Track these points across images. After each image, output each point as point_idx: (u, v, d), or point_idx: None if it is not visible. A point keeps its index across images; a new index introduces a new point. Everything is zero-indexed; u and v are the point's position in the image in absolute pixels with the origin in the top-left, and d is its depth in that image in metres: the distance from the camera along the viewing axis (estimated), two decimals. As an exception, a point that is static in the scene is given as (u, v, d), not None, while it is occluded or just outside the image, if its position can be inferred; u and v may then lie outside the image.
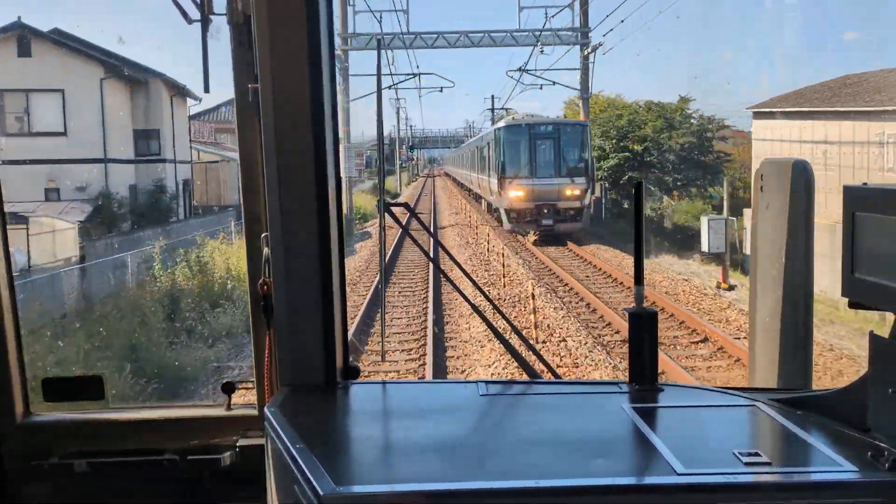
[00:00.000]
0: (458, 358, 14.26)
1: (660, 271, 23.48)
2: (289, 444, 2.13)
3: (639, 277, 2.63)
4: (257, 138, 2.75)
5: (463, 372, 13.35)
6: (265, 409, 2.48)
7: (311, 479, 1.92)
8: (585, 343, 14.58)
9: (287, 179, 2.62)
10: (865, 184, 2.15)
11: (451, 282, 3.33)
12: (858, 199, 2.11)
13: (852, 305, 2.12)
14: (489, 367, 13.23)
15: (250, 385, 3.11)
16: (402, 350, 14.58)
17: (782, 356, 2.78)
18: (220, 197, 39.88)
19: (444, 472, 2.03)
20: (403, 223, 3.30)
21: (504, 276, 21.53)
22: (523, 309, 17.27)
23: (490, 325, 3.22)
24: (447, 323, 16.90)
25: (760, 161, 2.95)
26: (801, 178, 2.72)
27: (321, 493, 1.86)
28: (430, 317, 16.68)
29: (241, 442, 2.97)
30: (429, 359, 13.57)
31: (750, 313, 2.91)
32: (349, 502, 1.87)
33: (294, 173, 2.62)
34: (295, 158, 2.61)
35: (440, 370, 13.34)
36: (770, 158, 2.86)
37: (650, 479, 1.99)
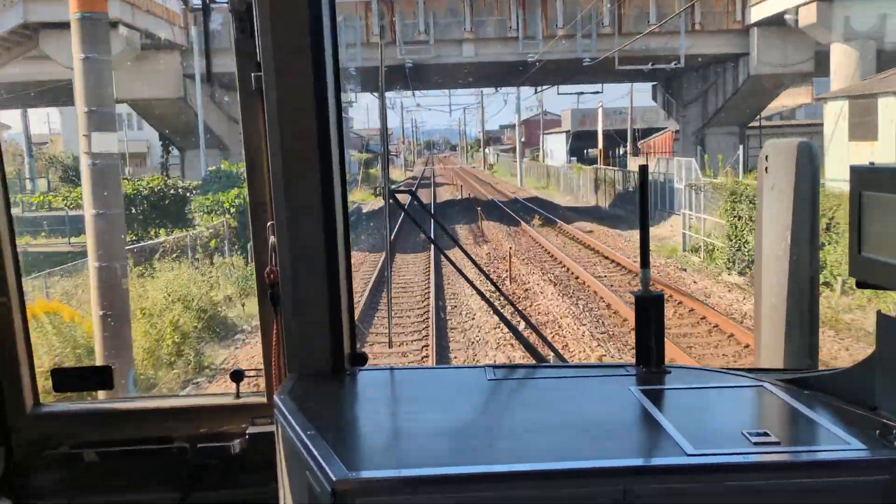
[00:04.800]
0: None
1: None
2: (300, 430, 2.15)
3: (645, 261, 2.64)
4: (261, 127, 2.76)
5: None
6: (274, 397, 2.49)
7: (324, 464, 1.93)
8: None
9: (292, 168, 2.62)
10: (872, 164, 2.16)
11: (455, 265, 3.33)
12: (865, 179, 2.11)
13: (860, 285, 2.13)
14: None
15: (259, 373, 3.13)
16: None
17: (788, 337, 2.79)
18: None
19: (453, 457, 2.04)
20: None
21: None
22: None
23: (495, 310, 3.23)
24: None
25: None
26: (806, 160, 2.73)
27: (333, 478, 1.88)
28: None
29: (251, 429, 2.99)
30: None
31: (755, 295, 2.92)
32: (361, 487, 1.88)
33: (299, 162, 2.62)
34: (299, 147, 2.62)
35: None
36: (775, 140, 2.86)
37: (659, 461, 2.00)
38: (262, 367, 3.05)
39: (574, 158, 55.79)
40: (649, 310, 2.59)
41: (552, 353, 3.46)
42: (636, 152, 48.13)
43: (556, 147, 66.15)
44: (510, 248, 22.99)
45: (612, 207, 36.63)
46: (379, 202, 37.91)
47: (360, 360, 2.82)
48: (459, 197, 46.35)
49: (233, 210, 22.68)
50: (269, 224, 2.80)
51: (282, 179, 2.63)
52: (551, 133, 69.15)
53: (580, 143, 59.42)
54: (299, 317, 2.69)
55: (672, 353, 12.23)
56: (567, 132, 62.59)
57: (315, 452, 2.00)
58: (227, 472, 3.03)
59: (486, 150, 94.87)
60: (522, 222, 31.05)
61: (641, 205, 2.65)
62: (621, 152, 52.10)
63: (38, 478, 3.07)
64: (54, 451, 3.03)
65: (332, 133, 2.65)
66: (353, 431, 2.33)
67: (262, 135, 2.74)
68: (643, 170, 2.67)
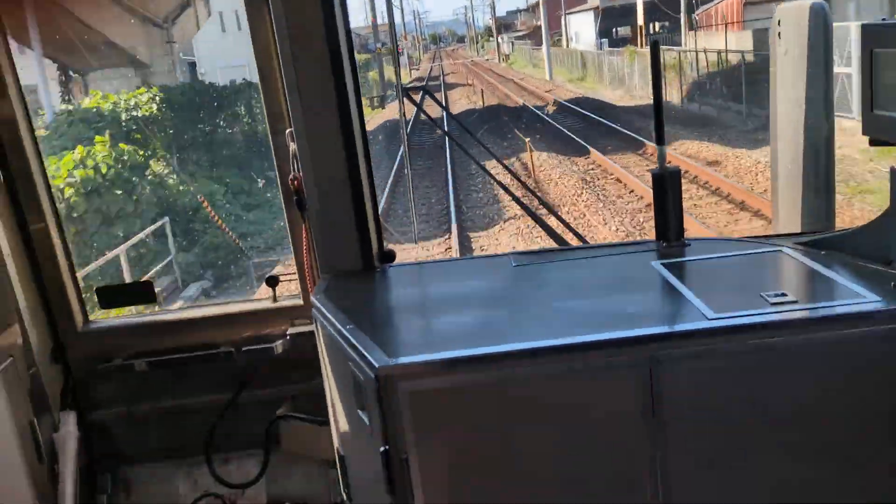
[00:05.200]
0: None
1: None
2: (339, 325, 2.26)
3: (660, 138, 2.67)
4: (270, 33, 2.76)
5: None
6: (311, 297, 2.60)
7: (366, 353, 2.05)
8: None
9: (304, 72, 2.63)
10: (884, 19, 2.14)
11: (471, 156, 3.38)
12: (877, 36, 2.10)
13: (873, 143, 2.15)
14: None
15: (292, 277, 3.24)
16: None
17: (805, 201, 2.84)
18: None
19: (487, 338, 2.15)
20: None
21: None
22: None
23: (514, 197, 3.30)
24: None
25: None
26: (819, 22, 2.69)
27: (376, 365, 2.00)
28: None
29: (291, 330, 3.13)
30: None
31: (771, 161, 2.94)
32: (403, 371, 2.00)
33: (311, 65, 2.63)
34: (310, 49, 2.62)
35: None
36: (787, 4, 2.82)
37: (682, 327, 2.10)
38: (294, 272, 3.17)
39: (605, 41, 47.52)
40: (666, 185, 2.64)
41: (574, 237, 3.53)
42: (693, 26, 37.16)
43: (582, 29, 55.68)
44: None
45: (692, 104, 26.34)
46: (377, 119, 30.75)
47: (389, 257, 2.91)
48: (480, 105, 32.41)
49: (72, 193, 12.49)
50: (287, 131, 2.83)
51: (295, 84, 2.65)
52: (575, 12, 57.47)
53: (610, 22, 50.94)
54: (326, 219, 2.77)
55: None
56: (595, 9, 51.94)
57: (357, 344, 2.12)
58: (272, 371, 3.20)
59: (500, 39, 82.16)
60: (592, 149, 19.39)
61: (654, 82, 2.67)
62: (657, 28, 43.33)
63: (96, 389, 3.26)
64: (108, 364, 3.20)
65: (340, 32, 2.65)
66: (389, 322, 2.44)
67: (272, 41, 2.74)
68: (655, 45, 2.70)
